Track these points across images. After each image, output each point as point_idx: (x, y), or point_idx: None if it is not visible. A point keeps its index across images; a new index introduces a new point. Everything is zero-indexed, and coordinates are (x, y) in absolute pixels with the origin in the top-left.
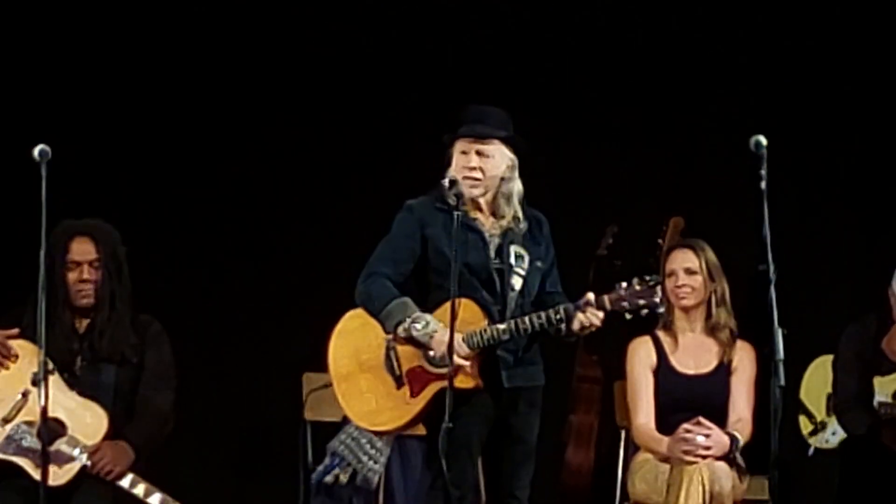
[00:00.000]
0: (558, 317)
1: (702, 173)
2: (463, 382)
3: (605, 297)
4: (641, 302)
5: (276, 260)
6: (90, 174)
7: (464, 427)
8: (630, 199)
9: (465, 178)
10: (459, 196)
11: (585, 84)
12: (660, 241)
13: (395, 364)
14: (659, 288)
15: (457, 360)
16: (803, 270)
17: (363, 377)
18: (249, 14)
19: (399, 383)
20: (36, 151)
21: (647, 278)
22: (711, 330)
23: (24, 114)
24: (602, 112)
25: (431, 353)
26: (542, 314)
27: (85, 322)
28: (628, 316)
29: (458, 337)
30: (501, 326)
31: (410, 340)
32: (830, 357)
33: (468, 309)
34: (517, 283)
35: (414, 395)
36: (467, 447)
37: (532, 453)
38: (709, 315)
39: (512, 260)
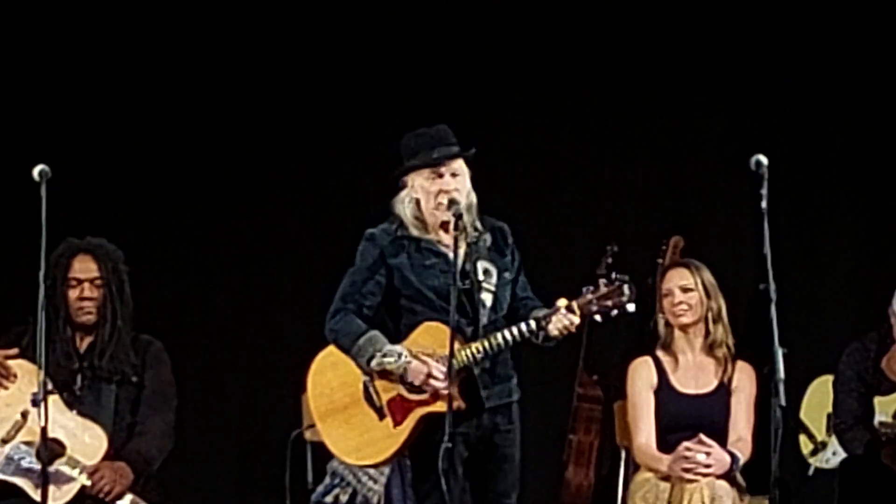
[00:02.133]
0: (529, 329)
1: (702, 192)
2: (444, 406)
3: (573, 303)
4: (609, 303)
5: (276, 281)
6: (90, 194)
7: (446, 449)
8: (630, 218)
9: (447, 201)
10: (459, 216)
11: (587, 101)
12: (660, 260)
13: (375, 396)
14: (626, 287)
15: (436, 384)
16: (804, 290)
17: (345, 414)
18: (245, 36)
19: (381, 415)
20: (36, 171)
21: (613, 277)
22: (709, 348)
23: (24, 133)
24: (603, 129)
25: (409, 383)
26: (514, 329)
27: (86, 341)
28: (598, 318)
29: (432, 361)
30: (475, 346)
31: (384, 374)
32: (831, 377)
33: (440, 332)
34: (487, 299)
35: (397, 424)
36: (452, 468)
37: (517, 469)
38: (707, 333)
39: (480, 277)
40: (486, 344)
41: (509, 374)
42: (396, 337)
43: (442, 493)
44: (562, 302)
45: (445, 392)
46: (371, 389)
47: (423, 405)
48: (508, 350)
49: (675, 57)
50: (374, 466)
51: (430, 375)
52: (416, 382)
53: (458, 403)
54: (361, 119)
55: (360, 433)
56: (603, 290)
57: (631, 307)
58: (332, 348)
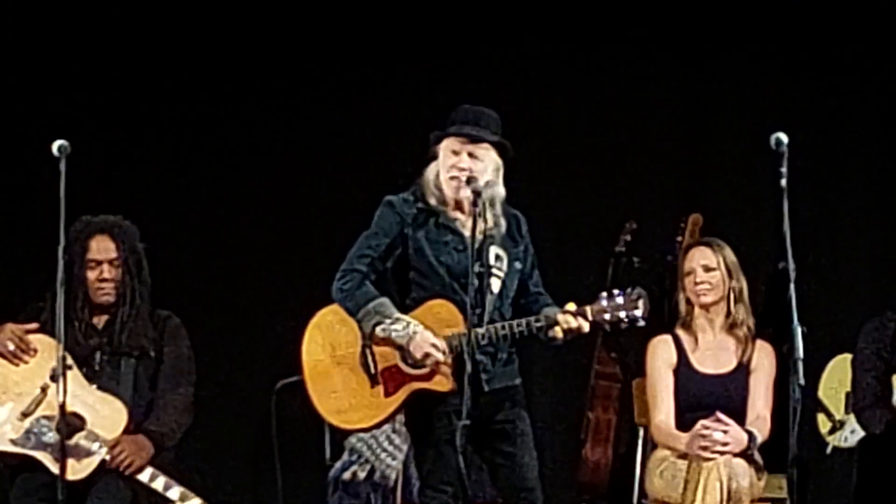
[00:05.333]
0: (539, 324)
1: (722, 170)
2: (439, 385)
3: (587, 308)
4: (622, 315)
5: (293, 256)
6: (109, 169)
7: (440, 428)
8: (649, 195)
9: (454, 177)
10: (477, 193)
11: (604, 79)
12: (679, 238)
13: (371, 363)
14: (641, 301)
15: (440, 357)
16: (823, 268)
17: (337, 373)
18: (258, 14)
19: (373, 382)
20: (55, 147)
21: (629, 291)
22: (730, 327)
23: (44, 109)
24: (622, 108)
25: (410, 354)
26: (523, 321)
27: (104, 318)
28: (607, 327)
29: (436, 338)
30: (480, 331)
31: (388, 341)
32: (849, 355)
33: (446, 310)
34: (496, 285)
35: (388, 394)
36: (452, 446)
37: (531, 445)
38: (728, 313)
39: (491, 261)
40: (492, 331)
41: (510, 360)
42: (402, 310)
43: (443, 471)
44: (571, 306)
45: (444, 369)
46: (369, 355)
47: (418, 380)
48: (513, 340)
49: (694, 34)
50: (357, 431)
51: (433, 347)
52: (418, 355)
53: (452, 385)
54: (372, 86)
55: (349, 396)
56: (619, 300)
57: (642, 323)
58: (334, 307)
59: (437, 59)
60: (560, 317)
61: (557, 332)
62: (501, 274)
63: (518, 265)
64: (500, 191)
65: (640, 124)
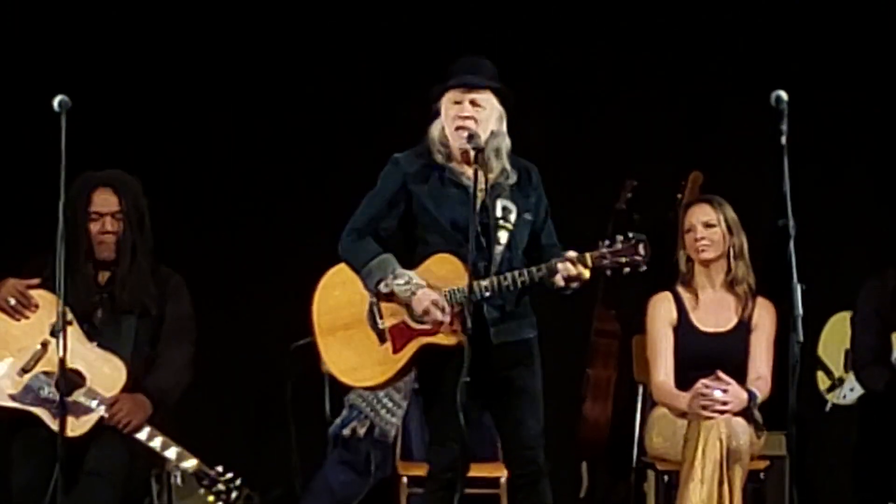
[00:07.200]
0: (541, 273)
1: (722, 128)
2: (445, 339)
3: (587, 254)
4: (623, 260)
5: (296, 214)
6: (110, 124)
7: (449, 383)
8: (650, 153)
9: (459, 127)
10: (479, 149)
11: (604, 37)
12: (679, 195)
13: (378, 319)
14: (642, 246)
15: (439, 316)
16: (823, 226)
17: (346, 332)
18: None
19: (382, 339)
20: (56, 102)
21: (630, 236)
22: (730, 284)
23: (44, 64)
24: (622, 65)
25: (413, 310)
26: (525, 271)
27: (106, 274)
28: (609, 273)
29: (438, 294)
30: (483, 283)
31: (392, 297)
32: (849, 313)
33: (449, 264)
34: (503, 237)
35: (396, 350)
36: (454, 402)
37: (537, 402)
38: (728, 270)
39: (498, 213)
40: (495, 282)
41: (523, 313)
42: (409, 266)
43: (451, 427)
44: (572, 253)
45: (446, 323)
46: (376, 312)
47: (425, 335)
48: (521, 291)
49: None
50: (368, 389)
51: (433, 305)
52: (418, 311)
53: (460, 339)
54: (377, 48)
55: (358, 354)
56: (618, 246)
57: (644, 268)
58: (342, 266)
59: (435, 12)
60: (560, 265)
61: (558, 279)
62: (510, 226)
63: (528, 217)
64: (505, 140)
65: (640, 82)
